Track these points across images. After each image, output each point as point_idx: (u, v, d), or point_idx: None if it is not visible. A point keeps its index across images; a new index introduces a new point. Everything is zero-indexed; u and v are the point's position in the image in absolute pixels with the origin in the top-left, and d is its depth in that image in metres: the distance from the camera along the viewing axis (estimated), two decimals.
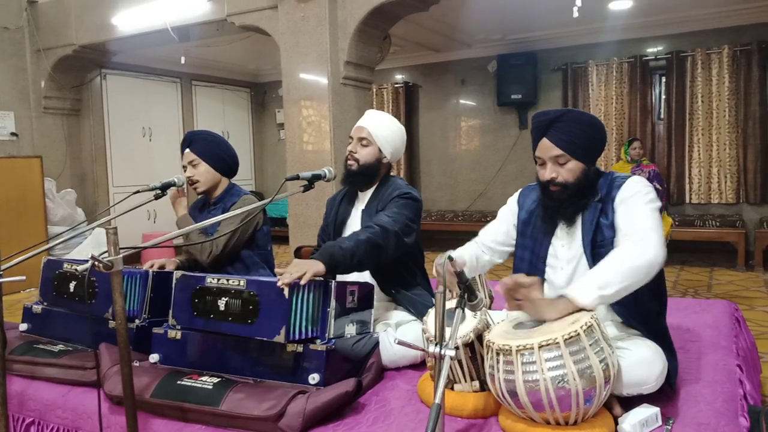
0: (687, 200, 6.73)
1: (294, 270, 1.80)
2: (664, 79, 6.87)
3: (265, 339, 1.81)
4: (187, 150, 2.60)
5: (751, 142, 6.32)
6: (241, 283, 1.88)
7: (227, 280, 1.91)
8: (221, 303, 1.89)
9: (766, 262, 5.96)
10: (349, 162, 2.34)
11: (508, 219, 2.06)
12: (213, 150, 2.61)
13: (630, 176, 1.84)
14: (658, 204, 1.79)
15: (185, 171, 2.62)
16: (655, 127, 6.94)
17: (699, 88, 6.55)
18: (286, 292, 1.78)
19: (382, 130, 2.35)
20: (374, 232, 2.08)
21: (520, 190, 2.08)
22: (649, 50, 6.85)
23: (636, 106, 6.89)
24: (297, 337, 1.80)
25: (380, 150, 2.34)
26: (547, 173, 1.81)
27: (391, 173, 2.48)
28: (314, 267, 1.84)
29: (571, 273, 1.85)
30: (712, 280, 5.52)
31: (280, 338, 1.78)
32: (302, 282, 1.79)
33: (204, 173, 2.59)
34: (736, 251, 6.00)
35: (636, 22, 6.50)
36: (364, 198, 2.42)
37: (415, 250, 2.38)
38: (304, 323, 1.83)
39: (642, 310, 1.80)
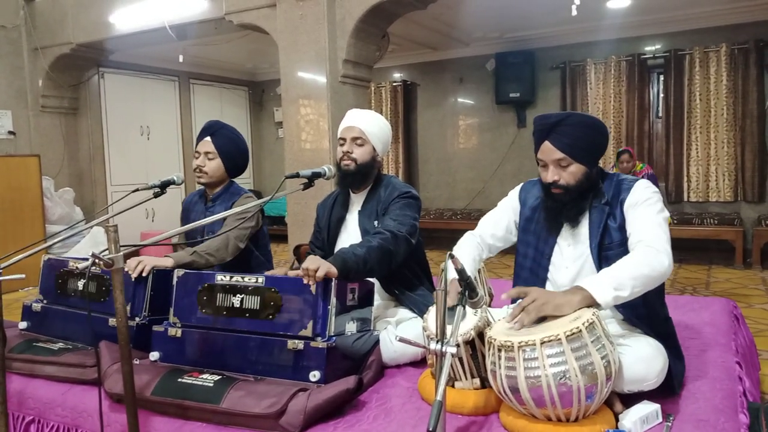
0: (685, 198, 6.74)
1: (313, 264, 1.83)
2: (662, 78, 6.88)
3: (289, 334, 1.84)
4: (207, 139, 2.58)
5: (748, 141, 6.34)
6: (260, 280, 1.91)
7: (242, 277, 1.93)
8: (236, 300, 1.91)
9: (763, 260, 5.98)
10: (346, 163, 2.29)
11: (509, 214, 2.06)
12: (232, 149, 2.60)
13: (637, 179, 1.85)
14: (666, 213, 1.80)
15: (197, 158, 2.60)
16: (653, 125, 6.95)
17: (697, 86, 6.56)
18: (313, 288, 1.82)
19: (373, 127, 2.32)
20: (385, 238, 2.08)
21: (521, 184, 2.07)
22: (647, 48, 6.86)
23: (634, 104, 6.90)
24: (320, 331, 1.83)
25: (374, 148, 2.32)
26: (550, 176, 1.82)
27: (390, 172, 2.48)
28: (328, 267, 1.85)
29: (576, 273, 1.86)
30: (710, 278, 5.54)
31: (306, 332, 1.82)
32: (318, 275, 1.81)
33: (215, 168, 2.58)
34: (733, 249, 6.02)
35: (634, 20, 6.51)
36: (358, 200, 2.39)
37: (418, 250, 2.37)
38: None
39: (649, 313, 1.80)
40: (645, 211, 1.76)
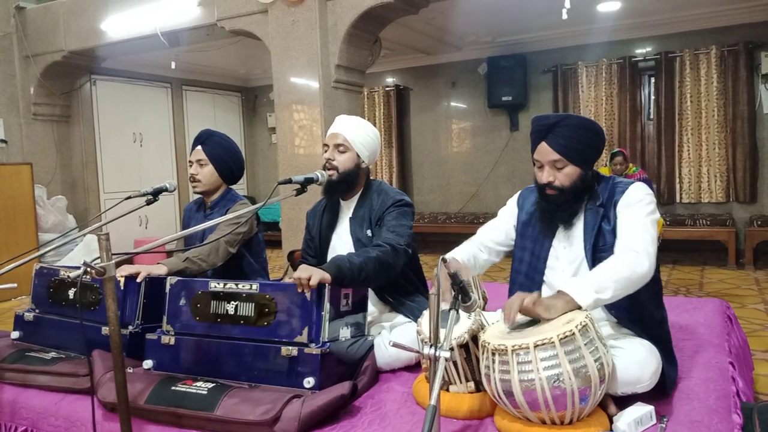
0: (677, 200, 6.77)
1: (305, 273, 1.83)
2: (653, 80, 6.91)
3: (283, 340, 1.84)
4: (198, 147, 2.60)
5: (739, 142, 6.38)
6: (254, 287, 1.91)
7: (235, 284, 1.93)
8: (230, 307, 1.91)
9: (756, 260, 6.01)
10: (329, 172, 2.29)
11: (507, 220, 2.07)
12: (223, 155, 2.60)
13: (632, 182, 1.87)
14: (657, 216, 1.82)
15: (190, 167, 2.62)
16: (644, 127, 6.99)
17: (688, 88, 6.61)
18: (308, 294, 1.83)
19: (357, 134, 2.30)
20: (384, 251, 2.08)
21: (519, 191, 2.09)
22: (638, 51, 6.90)
23: (625, 106, 6.93)
24: (314, 337, 1.83)
25: (358, 155, 2.30)
26: (545, 177, 1.83)
27: (384, 177, 2.47)
28: (321, 274, 1.85)
29: (572, 275, 1.86)
30: (703, 278, 5.56)
31: (302, 338, 1.82)
32: (311, 283, 1.82)
33: (208, 175, 2.59)
34: (726, 250, 6.06)
35: (624, 23, 6.54)
36: (348, 206, 2.38)
37: (412, 256, 2.37)
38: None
39: (642, 316, 1.81)
40: (634, 212, 1.78)
